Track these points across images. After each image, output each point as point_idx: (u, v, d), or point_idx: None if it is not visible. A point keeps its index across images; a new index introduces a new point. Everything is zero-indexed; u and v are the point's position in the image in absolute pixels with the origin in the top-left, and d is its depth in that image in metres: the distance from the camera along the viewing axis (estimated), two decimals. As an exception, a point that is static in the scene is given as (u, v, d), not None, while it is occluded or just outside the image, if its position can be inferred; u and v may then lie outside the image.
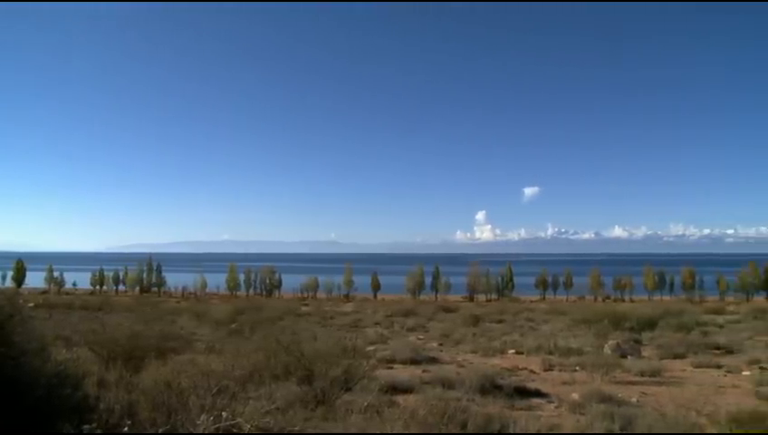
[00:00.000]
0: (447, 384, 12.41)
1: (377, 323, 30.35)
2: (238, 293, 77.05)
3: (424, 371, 14.81)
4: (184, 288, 76.01)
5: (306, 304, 49.56)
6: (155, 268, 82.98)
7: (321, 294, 74.40)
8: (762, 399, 12.26)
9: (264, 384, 10.02)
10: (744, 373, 15.55)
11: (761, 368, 15.97)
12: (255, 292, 79.83)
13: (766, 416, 10.04)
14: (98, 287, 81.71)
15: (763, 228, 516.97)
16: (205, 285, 77.47)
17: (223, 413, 6.89)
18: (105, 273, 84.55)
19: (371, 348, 18.46)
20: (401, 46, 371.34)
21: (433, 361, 16.95)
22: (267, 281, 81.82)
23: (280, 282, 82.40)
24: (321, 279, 78.69)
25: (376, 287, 76.46)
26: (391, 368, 15.57)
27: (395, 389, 12.02)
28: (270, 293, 79.41)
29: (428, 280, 77.46)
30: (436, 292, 75.03)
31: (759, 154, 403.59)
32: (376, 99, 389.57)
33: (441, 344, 21.28)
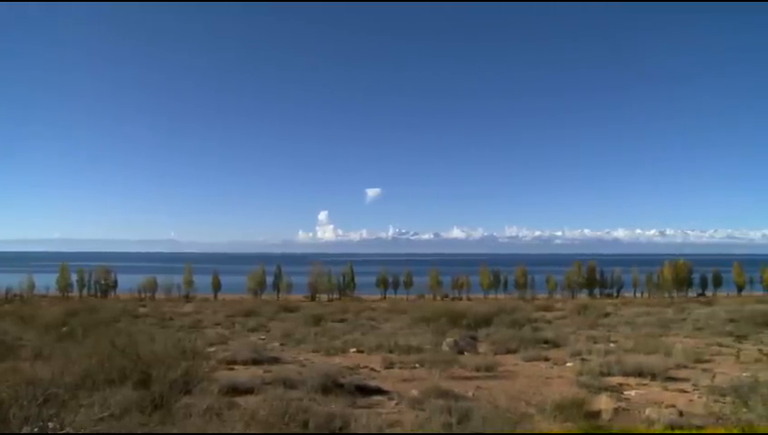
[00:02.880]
0: (289, 384, 12.33)
1: (217, 324, 29.66)
2: (70, 294, 72.69)
3: (265, 371, 14.65)
4: (8, 290, 70.67)
5: (144, 306, 47.58)
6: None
7: (159, 295, 71.72)
8: (582, 387, 13.22)
9: (97, 390, 9.51)
10: (567, 365, 16.63)
11: (582, 359, 17.16)
12: (89, 293, 75.55)
13: (585, 402, 10.85)
14: None
15: (586, 230, 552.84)
16: (32, 286, 72.28)
17: (50, 424, 6.49)
18: None
19: (212, 349, 18.04)
20: (238, 45, 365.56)
21: (275, 361, 16.78)
22: (102, 281, 77.84)
23: (116, 282, 78.65)
24: (160, 279, 75.96)
25: (216, 287, 74.89)
26: (232, 369, 15.28)
27: (236, 390, 11.83)
28: (105, 294, 75.66)
29: (270, 280, 76.82)
30: (278, 291, 74.51)
31: (584, 163, 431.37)
32: (218, 97, 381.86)
33: (283, 344, 21.12)
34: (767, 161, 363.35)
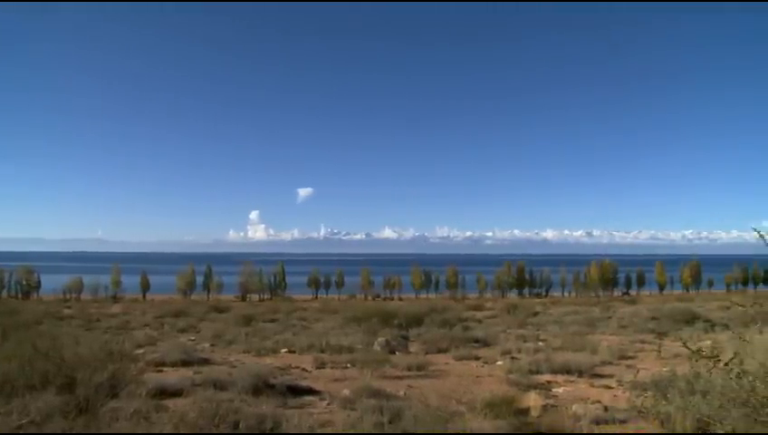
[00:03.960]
0: (219, 385, 12.14)
1: (146, 325, 29.03)
2: (-12, 296, 70.09)
3: (195, 372, 14.38)
4: None
5: (69, 307, 46.16)
6: None
7: (85, 296, 69.71)
8: (511, 384, 13.42)
9: (17, 396, 9.18)
10: (497, 363, 16.85)
11: (511, 357, 17.46)
12: (9, 294, 72.84)
13: (514, 399, 11.03)
14: None
15: (516, 231, 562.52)
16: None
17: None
18: None
19: (140, 351, 17.61)
20: (166, 42, 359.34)
21: (205, 362, 16.52)
22: (24, 282, 75.15)
23: (39, 283, 76.16)
24: (86, 279, 73.87)
25: (145, 287, 73.40)
26: (161, 371, 14.96)
27: (164, 392, 11.57)
28: (27, 295, 73.06)
29: (200, 280, 75.67)
30: (208, 292, 73.48)
31: (513, 165, 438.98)
32: (146, 95, 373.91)
33: (213, 345, 20.81)
34: (688, 165, 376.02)
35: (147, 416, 8.95)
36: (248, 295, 71.57)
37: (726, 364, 6.39)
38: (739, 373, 6.34)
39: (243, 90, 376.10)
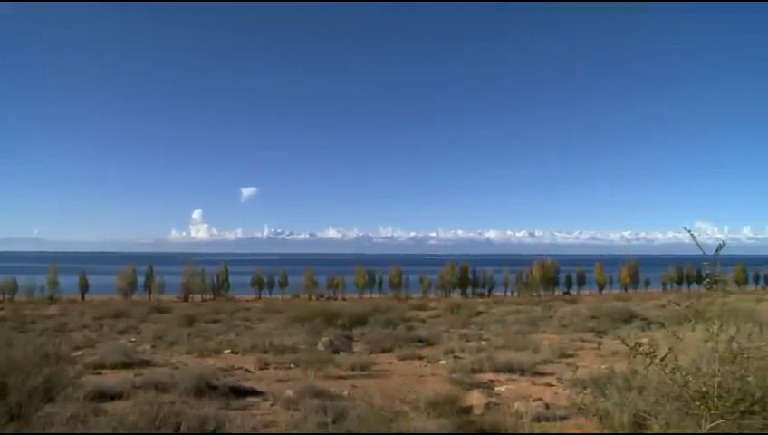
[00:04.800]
0: (161, 387, 11.93)
1: (84, 327, 28.36)
2: None
3: (136, 374, 14.12)
4: None
5: (2, 308, 44.88)
6: None
7: (20, 297, 67.68)
8: (455, 384, 13.53)
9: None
10: (441, 362, 16.99)
11: (455, 357, 17.60)
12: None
13: (457, 398, 11.14)
14: None
15: (460, 231, 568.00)
16: None
17: None
18: None
19: (78, 353, 17.22)
20: (116, 44, 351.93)
21: (146, 363, 16.24)
22: (-47, 284, 72.58)
23: (-30, 285, 73.62)
24: (21, 280, 71.65)
25: (84, 288, 71.59)
26: (100, 373, 14.66)
27: (103, 395, 11.33)
28: (-44, 296, 70.60)
29: (141, 280, 74.27)
30: (150, 292, 72.14)
31: (457, 166, 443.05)
32: (84, 92, 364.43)
33: (154, 346, 20.45)
34: (626, 167, 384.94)
35: (84, 420, 8.74)
36: (191, 296, 70.53)
37: (662, 360, 6.55)
38: (673, 369, 6.52)
39: (184, 88, 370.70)
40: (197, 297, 70.58)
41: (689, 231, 7.18)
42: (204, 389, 11.93)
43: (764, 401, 6.34)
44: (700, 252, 7.00)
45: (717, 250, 6.91)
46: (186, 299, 68.00)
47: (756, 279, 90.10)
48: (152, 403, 9.49)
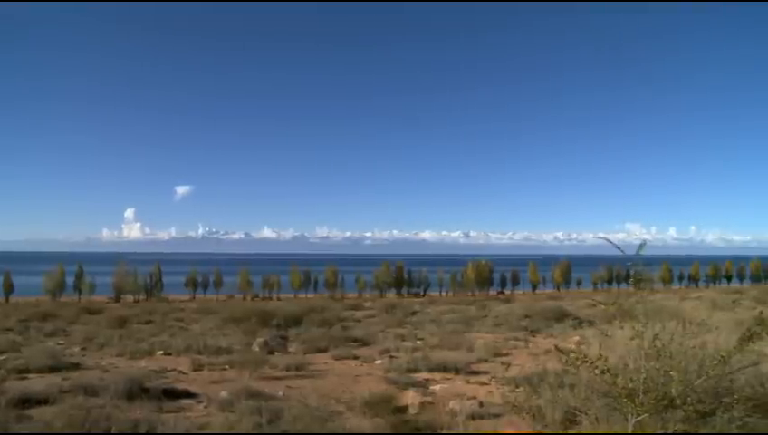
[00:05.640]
0: (90, 391, 11.67)
1: (9, 329, 27.38)
2: None
3: (64, 378, 13.76)
4: None
5: None
6: None
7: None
8: (390, 383, 13.63)
9: None
10: (376, 362, 17.05)
11: (390, 356, 17.71)
12: None
13: (393, 397, 11.23)
14: None
15: (395, 231, 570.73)
16: None
17: None
18: None
19: (2, 358, 16.71)
20: (39, 44, 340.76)
21: (75, 367, 15.83)
22: None
23: None
24: (-60, 282, 68.91)
25: (8, 289, 69.25)
26: (26, 378, 14.24)
27: (28, 401, 11.03)
28: None
29: (71, 280, 72.23)
30: (80, 293, 70.23)
31: (391, 167, 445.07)
32: (16, 90, 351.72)
33: (84, 349, 19.93)
34: (557, 168, 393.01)
35: (5, 426, 8.49)
36: (122, 296, 69.00)
37: (592, 364, 6.75)
38: (603, 370, 6.72)
39: (118, 85, 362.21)
40: (130, 298, 69.05)
41: (605, 238, 7.48)
42: (136, 392, 11.72)
43: (685, 395, 6.60)
44: (629, 252, 7.28)
45: (639, 249, 7.20)
46: (117, 300, 66.42)
47: (681, 278, 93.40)
48: (80, 408, 9.30)
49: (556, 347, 7.77)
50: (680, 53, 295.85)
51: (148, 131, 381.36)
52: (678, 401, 6.54)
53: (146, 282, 73.95)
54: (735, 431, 6.86)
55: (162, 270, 76.27)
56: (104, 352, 19.17)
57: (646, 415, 6.54)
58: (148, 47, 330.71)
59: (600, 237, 7.55)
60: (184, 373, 15.28)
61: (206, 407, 11.40)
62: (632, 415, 6.61)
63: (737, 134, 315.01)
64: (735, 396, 7.16)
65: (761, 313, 7.04)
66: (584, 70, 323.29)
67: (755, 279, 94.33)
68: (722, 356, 6.63)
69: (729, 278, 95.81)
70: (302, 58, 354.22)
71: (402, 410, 10.94)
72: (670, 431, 6.62)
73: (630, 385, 6.69)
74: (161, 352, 18.76)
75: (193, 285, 77.00)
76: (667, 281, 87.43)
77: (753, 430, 7.02)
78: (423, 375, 14.77)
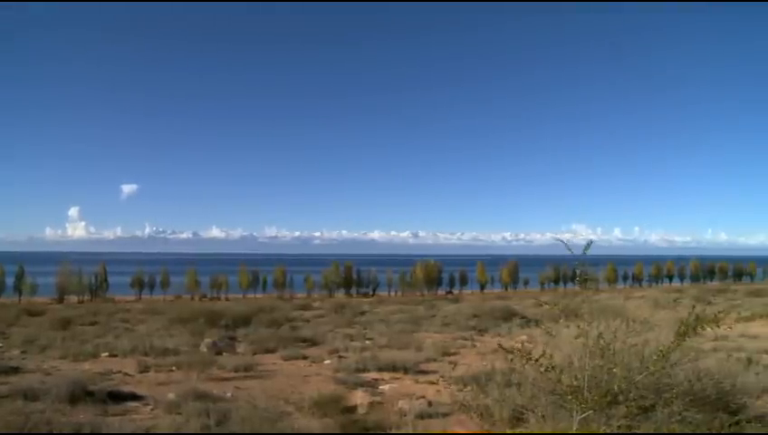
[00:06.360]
0: (31, 395, 11.40)
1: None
2: None
3: (2, 383, 13.40)
4: None
5: None
6: None
7: None
8: (339, 383, 13.63)
9: None
10: (325, 362, 17.04)
11: (339, 356, 17.71)
12: None
13: (341, 397, 11.25)
14: None
15: (344, 232, 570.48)
16: None
17: None
18: None
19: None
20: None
21: (14, 371, 15.39)
22: None
23: None
24: None
25: (-57, 291, 67.27)
26: (-38, 382, 13.84)
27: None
28: None
29: (11, 281, 70.38)
30: (20, 294, 68.51)
31: (341, 167, 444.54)
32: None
33: (24, 352, 19.41)
34: (505, 169, 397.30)
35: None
36: (66, 297, 67.50)
37: (536, 361, 6.87)
38: (547, 369, 6.84)
39: (61, 81, 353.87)
40: (74, 299, 67.59)
41: (559, 239, 7.64)
42: (79, 395, 11.46)
43: (628, 392, 6.77)
44: (577, 252, 7.44)
45: (585, 249, 7.37)
46: (61, 301, 64.94)
47: (625, 278, 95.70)
48: (19, 413, 9.07)
49: (500, 346, 7.88)
50: (628, 57, 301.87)
51: (93, 129, 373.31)
52: (621, 398, 6.71)
53: (90, 282, 72.54)
54: (675, 426, 7.06)
55: (107, 270, 74.94)
56: (46, 354, 18.71)
57: (590, 412, 6.68)
58: (94, 43, 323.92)
59: (555, 238, 7.70)
60: (130, 375, 15.02)
61: (152, 409, 11.23)
62: (577, 412, 6.75)
63: (677, 138, 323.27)
64: (674, 391, 7.38)
65: (694, 307, 7.26)
66: (527, 71, 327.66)
67: (695, 279, 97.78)
68: (661, 352, 6.82)
69: (671, 278, 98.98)
70: (250, 58, 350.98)
71: (351, 409, 10.96)
72: (614, 427, 6.77)
73: (575, 383, 6.84)
74: (106, 353, 18.41)
75: (139, 285, 75.77)
76: (612, 281, 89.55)
77: (690, 423, 7.24)
78: (372, 375, 14.80)
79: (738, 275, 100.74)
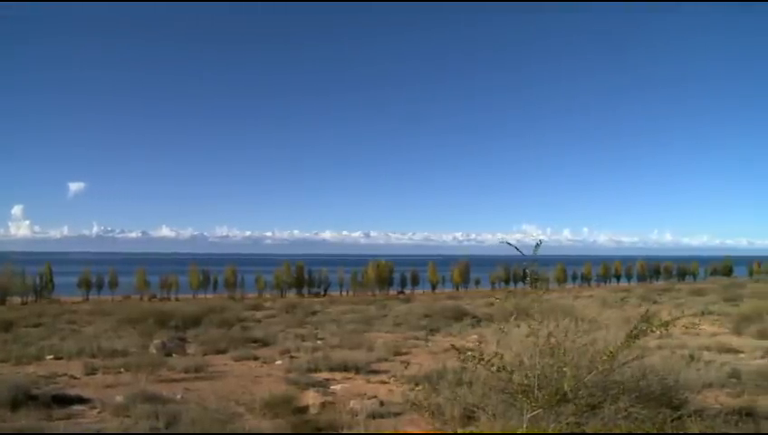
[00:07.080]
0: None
1: None
2: None
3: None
4: None
5: None
6: None
7: None
8: (291, 383, 13.56)
9: None
10: (277, 363, 16.97)
11: (290, 357, 17.65)
12: None
13: (293, 398, 11.23)
14: None
15: (296, 231, 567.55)
16: None
17: None
18: None
19: None
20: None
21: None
22: None
23: None
24: None
25: None
26: None
27: None
28: None
29: (-51, 283, 68.41)
30: (-41, 295, 66.71)
31: (295, 167, 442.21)
32: None
33: (-36, 355, 18.90)
34: (456, 170, 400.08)
35: None
36: (8, 298, 65.88)
37: (488, 362, 6.94)
38: (498, 369, 6.93)
39: (6, 81, 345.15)
40: (17, 300, 66.00)
41: (507, 241, 7.75)
42: (21, 399, 11.17)
43: (577, 390, 6.89)
44: (527, 252, 7.55)
45: (535, 249, 7.49)
46: (3, 302, 63.36)
47: (574, 278, 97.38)
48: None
49: (452, 346, 7.95)
50: (587, 55, 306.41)
51: (39, 126, 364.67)
52: (570, 396, 6.82)
53: (35, 282, 70.84)
54: (621, 422, 7.22)
55: (53, 270, 73.23)
56: (-13, 358, 18.23)
57: (540, 410, 6.78)
58: (45, 37, 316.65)
59: (503, 241, 7.81)
60: (76, 378, 14.72)
61: (99, 412, 11.04)
62: (527, 410, 6.84)
63: (624, 139, 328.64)
64: (621, 388, 7.54)
65: (647, 311, 7.44)
66: (484, 72, 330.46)
67: (641, 278, 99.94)
68: (610, 352, 6.96)
69: (618, 277, 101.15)
70: (201, 55, 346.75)
71: (303, 410, 10.93)
72: (562, 424, 6.89)
73: (526, 381, 6.94)
74: (51, 356, 17.99)
75: (86, 285, 74.21)
76: (562, 280, 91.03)
77: (636, 419, 7.40)
78: (324, 375, 14.79)
79: (682, 275, 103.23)
